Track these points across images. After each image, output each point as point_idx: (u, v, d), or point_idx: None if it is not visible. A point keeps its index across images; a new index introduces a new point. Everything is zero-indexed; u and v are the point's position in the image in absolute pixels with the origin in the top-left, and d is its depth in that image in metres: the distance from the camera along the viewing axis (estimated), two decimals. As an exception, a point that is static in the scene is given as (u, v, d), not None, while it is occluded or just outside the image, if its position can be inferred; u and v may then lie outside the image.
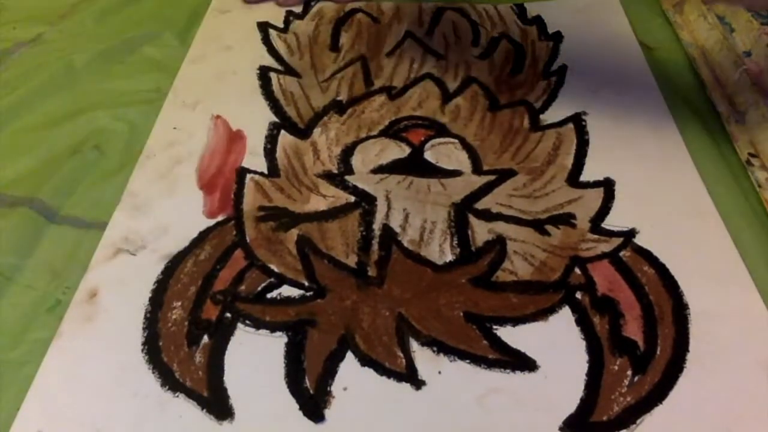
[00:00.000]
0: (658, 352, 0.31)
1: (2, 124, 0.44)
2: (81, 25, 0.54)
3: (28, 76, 0.48)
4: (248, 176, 0.40)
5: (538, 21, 0.54)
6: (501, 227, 0.37)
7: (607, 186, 0.40)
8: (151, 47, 0.51)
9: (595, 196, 0.39)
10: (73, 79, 0.48)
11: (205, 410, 0.30)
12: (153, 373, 0.31)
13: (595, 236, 0.37)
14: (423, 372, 0.31)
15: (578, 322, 0.33)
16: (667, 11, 0.53)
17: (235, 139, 0.43)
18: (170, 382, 0.31)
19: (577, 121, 0.44)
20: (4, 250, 0.36)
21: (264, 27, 0.53)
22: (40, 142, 0.43)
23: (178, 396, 0.30)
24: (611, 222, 0.38)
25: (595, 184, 0.40)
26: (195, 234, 0.37)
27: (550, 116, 0.45)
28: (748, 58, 0.46)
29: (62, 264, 0.36)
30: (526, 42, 0.52)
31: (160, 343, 0.32)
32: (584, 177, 0.40)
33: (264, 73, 0.49)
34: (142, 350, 0.32)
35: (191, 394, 0.30)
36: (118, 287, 0.34)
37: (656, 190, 0.39)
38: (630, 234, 0.37)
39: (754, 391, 0.30)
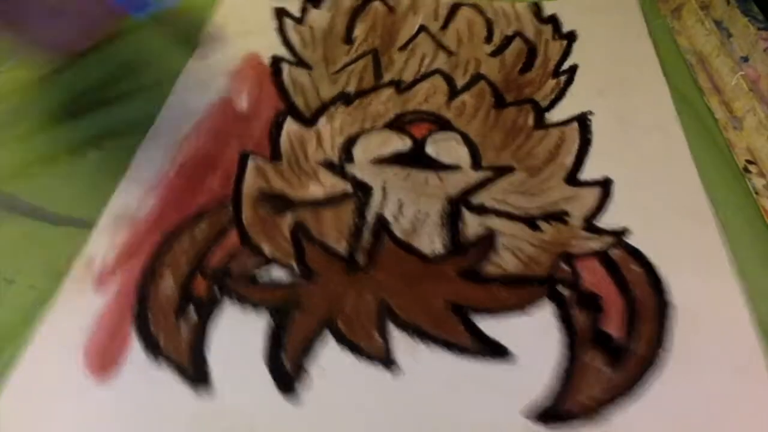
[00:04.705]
0: (635, 349, 0.31)
1: (2, 124, 0.44)
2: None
3: (29, 76, 0.47)
4: (250, 159, 0.41)
5: (554, 20, 0.54)
6: (493, 222, 0.38)
7: (605, 185, 0.40)
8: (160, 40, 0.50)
9: (592, 195, 0.39)
10: (74, 78, 0.48)
11: (185, 380, 0.31)
12: (140, 341, 0.32)
13: (587, 234, 0.37)
14: (399, 356, 0.32)
15: (559, 316, 0.33)
16: (665, 17, 0.53)
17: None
18: (155, 351, 0.32)
19: (582, 120, 0.44)
20: (6, 257, 0.36)
21: (280, 15, 0.54)
22: (40, 143, 0.43)
23: (161, 365, 0.31)
24: (606, 221, 0.37)
25: (593, 184, 0.40)
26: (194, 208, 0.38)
27: (555, 115, 0.45)
28: (745, 64, 0.45)
29: (63, 264, 0.36)
30: (540, 40, 0.52)
31: (149, 313, 0.33)
32: (584, 176, 0.40)
33: (276, 62, 0.50)
34: (132, 318, 0.33)
35: (174, 364, 0.31)
36: (113, 257, 0.36)
37: (654, 190, 0.39)
38: (622, 233, 0.37)
39: (729, 391, 0.30)
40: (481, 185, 0.40)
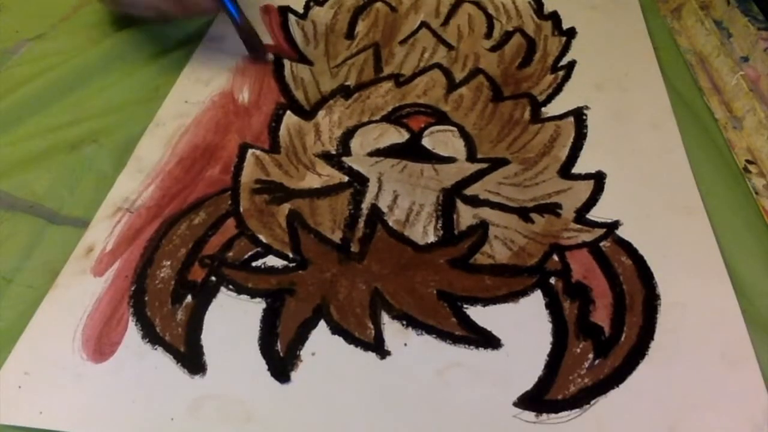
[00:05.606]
0: (622, 339, 0.32)
1: (3, 123, 0.44)
2: (84, 25, 0.54)
3: (29, 75, 0.48)
4: (250, 151, 0.42)
5: (554, 16, 0.54)
6: (486, 213, 0.38)
7: (598, 179, 0.40)
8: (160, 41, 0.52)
9: (585, 188, 0.39)
10: (74, 78, 0.48)
11: (179, 364, 0.31)
12: (136, 325, 0.33)
13: (578, 226, 0.37)
14: (390, 343, 0.32)
15: (548, 306, 0.33)
16: (665, 17, 0.53)
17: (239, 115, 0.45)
18: (151, 335, 0.32)
19: (578, 115, 0.44)
20: (5, 255, 0.37)
21: (284, 12, 0.55)
22: (40, 142, 0.43)
23: (156, 349, 0.32)
24: (597, 213, 0.38)
25: (587, 177, 0.40)
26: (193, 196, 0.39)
27: (552, 109, 0.45)
28: (745, 64, 0.45)
29: (62, 264, 0.36)
30: (539, 36, 0.52)
31: (146, 298, 0.34)
32: (578, 169, 0.41)
33: (278, 58, 0.50)
34: (129, 303, 0.34)
35: (169, 348, 0.32)
36: (112, 243, 0.37)
37: (647, 185, 0.39)
38: (613, 226, 0.37)
39: (712, 383, 0.30)
40: (475, 177, 0.40)
